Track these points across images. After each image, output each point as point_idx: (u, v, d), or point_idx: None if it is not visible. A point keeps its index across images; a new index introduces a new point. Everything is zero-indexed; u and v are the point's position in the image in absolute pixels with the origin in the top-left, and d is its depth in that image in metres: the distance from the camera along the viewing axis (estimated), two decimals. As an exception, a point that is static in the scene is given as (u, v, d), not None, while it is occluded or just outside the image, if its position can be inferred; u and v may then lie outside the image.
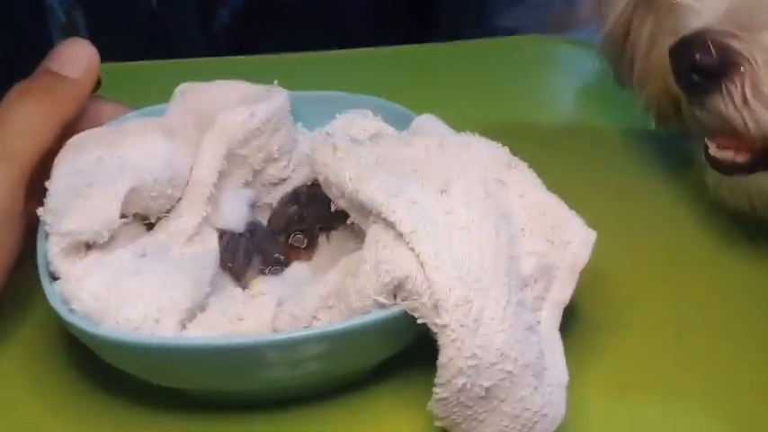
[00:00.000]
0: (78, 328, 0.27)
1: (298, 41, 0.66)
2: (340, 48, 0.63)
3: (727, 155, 0.38)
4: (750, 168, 0.38)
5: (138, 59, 0.62)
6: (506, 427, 0.27)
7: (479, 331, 0.26)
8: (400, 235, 0.27)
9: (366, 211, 0.29)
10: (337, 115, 0.36)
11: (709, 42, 0.36)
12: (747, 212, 0.41)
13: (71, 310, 0.28)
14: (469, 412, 0.27)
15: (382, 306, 0.27)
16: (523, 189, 0.31)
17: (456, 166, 0.30)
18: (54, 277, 0.29)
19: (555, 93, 0.58)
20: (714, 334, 0.37)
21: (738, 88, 0.36)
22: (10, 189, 0.31)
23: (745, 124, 0.36)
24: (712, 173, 0.40)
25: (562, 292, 0.30)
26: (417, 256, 0.26)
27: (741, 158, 0.38)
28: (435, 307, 0.26)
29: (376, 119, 0.36)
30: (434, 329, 0.26)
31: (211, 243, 0.35)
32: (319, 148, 0.32)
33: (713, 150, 0.38)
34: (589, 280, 0.37)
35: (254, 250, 0.35)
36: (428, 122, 0.36)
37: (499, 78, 0.59)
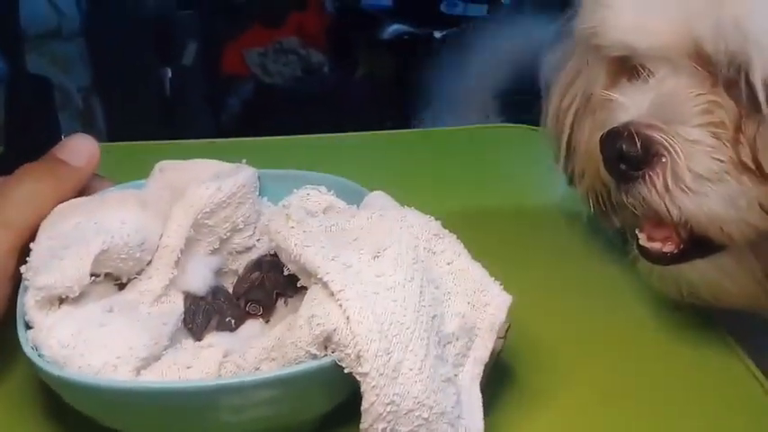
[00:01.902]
0: (45, 371, 0.31)
1: (303, 126, 0.72)
2: (340, 131, 0.69)
3: (656, 245, 0.41)
4: (677, 258, 0.41)
5: (151, 140, 0.68)
6: (425, 472, 0.30)
7: (398, 380, 0.29)
8: (332, 293, 0.31)
9: (309, 274, 0.33)
10: (295, 190, 0.40)
11: (634, 133, 0.39)
12: (677, 298, 0.44)
13: (40, 356, 0.31)
14: (391, 456, 0.30)
15: (314, 357, 0.31)
16: (450, 257, 0.35)
17: (391, 236, 0.34)
18: (29, 326, 0.33)
19: (516, 176, 0.63)
20: (638, 402, 0.40)
21: (660, 177, 0.39)
22: (4, 252, 0.35)
23: (668, 211, 0.39)
24: (643, 261, 0.43)
25: (483, 350, 0.33)
26: (344, 311, 0.30)
27: (668, 248, 0.41)
28: (358, 357, 0.29)
29: (329, 194, 0.40)
30: (358, 378, 0.30)
31: (177, 304, 0.38)
32: (274, 218, 0.37)
33: (643, 240, 0.41)
34: (523, 345, 0.41)
35: (213, 312, 0.39)
36: (378, 198, 0.41)
37: (474, 163, 0.64)
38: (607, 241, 0.52)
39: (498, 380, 0.40)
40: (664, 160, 0.39)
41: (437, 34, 1.89)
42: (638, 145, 0.39)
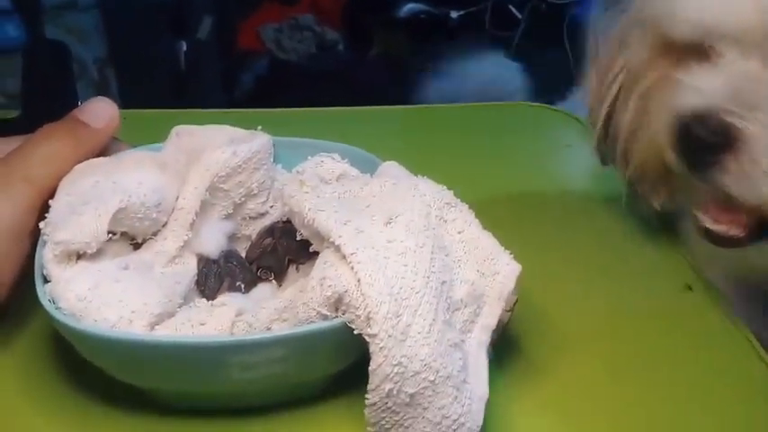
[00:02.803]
0: (61, 323, 0.31)
1: (316, 103, 0.73)
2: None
3: (722, 228, 0.41)
4: (742, 242, 0.41)
5: None
6: (429, 433, 0.31)
7: (406, 343, 0.30)
8: (344, 257, 0.31)
9: (321, 238, 0.34)
10: (309, 158, 0.41)
11: (714, 119, 0.39)
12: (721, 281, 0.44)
13: (57, 308, 0.32)
14: (396, 418, 0.31)
15: (325, 317, 0.31)
16: (461, 226, 0.35)
17: (403, 203, 0.34)
18: (46, 280, 0.33)
19: (534, 156, 0.63)
20: (643, 380, 0.40)
21: (739, 163, 0.39)
22: (25, 208, 0.36)
23: (745, 196, 0.39)
24: (696, 244, 0.43)
25: (490, 317, 0.34)
26: (356, 274, 0.31)
27: (734, 232, 0.41)
28: (368, 318, 0.30)
29: (342, 162, 0.40)
30: (367, 339, 0.30)
31: (190, 265, 0.39)
32: (288, 184, 0.37)
33: (708, 223, 0.41)
34: (531, 318, 0.42)
35: (225, 275, 0.39)
36: (391, 168, 0.41)
37: (487, 140, 0.64)
38: (622, 220, 0.52)
39: (505, 351, 0.40)
40: (742, 146, 0.38)
41: (453, 14, 1.88)
42: (718, 131, 0.39)
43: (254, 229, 0.42)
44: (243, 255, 0.42)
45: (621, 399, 0.39)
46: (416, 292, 0.31)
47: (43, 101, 0.62)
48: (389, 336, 0.30)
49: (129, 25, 1.84)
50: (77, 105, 0.42)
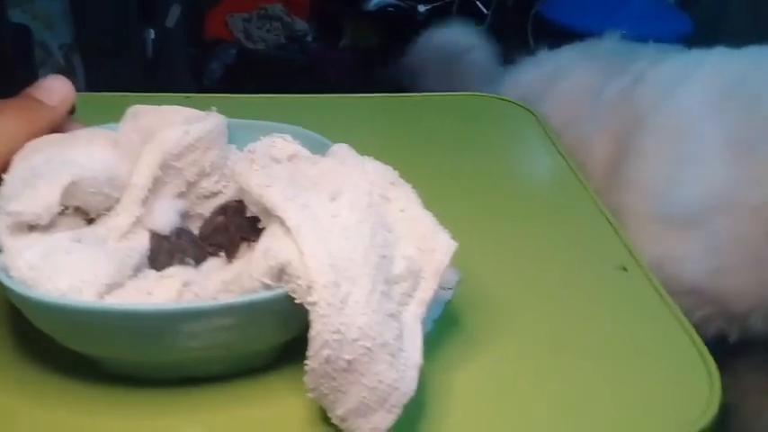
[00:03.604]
0: (12, 290, 0.32)
1: (283, 92, 0.74)
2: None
3: None
4: None
5: None
6: (365, 398, 0.33)
7: (344, 311, 0.32)
8: (288, 229, 0.33)
9: (269, 213, 0.35)
10: (261, 138, 0.42)
11: None
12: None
13: (9, 277, 0.33)
14: (334, 383, 0.32)
15: (268, 287, 0.33)
16: (403, 205, 0.37)
17: (348, 181, 0.36)
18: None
19: (483, 143, 0.65)
20: (581, 351, 0.42)
21: None
22: None
23: None
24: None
25: (426, 291, 0.35)
26: (298, 245, 0.32)
27: None
28: (308, 287, 0.32)
29: (294, 142, 0.42)
30: (308, 307, 0.32)
31: (142, 241, 0.40)
32: (239, 162, 0.38)
33: None
34: (473, 297, 0.44)
35: (176, 251, 0.40)
36: (341, 149, 0.42)
37: (438, 128, 0.66)
38: (565, 206, 0.54)
39: (446, 326, 0.42)
40: None
41: (421, 8, 1.90)
42: None
43: (207, 208, 0.44)
44: (196, 232, 0.43)
45: (555, 369, 0.41)
46: (356, 265, 0.32)
47: (4, 82, 0.63)
48: (328, 304, 0.31)
49: (97, 12, 1.82)
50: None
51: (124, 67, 1.90)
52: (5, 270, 0.33)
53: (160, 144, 0.40)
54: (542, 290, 0.47)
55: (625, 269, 0.48)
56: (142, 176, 0.39)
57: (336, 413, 0.33)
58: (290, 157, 0.41)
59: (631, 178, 0.65)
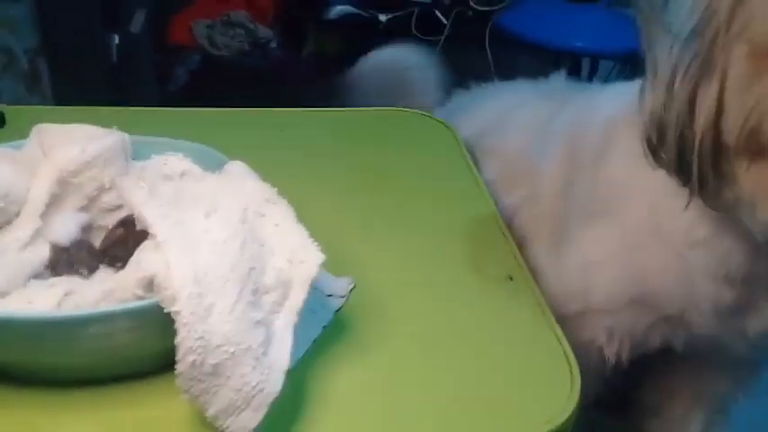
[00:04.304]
0: None
1: (248, 100, 0.76)
2: (285, 106, 0.73)
3: None
4: None
5: (98, 105, 0.70)
6: (233, 399, 0.35)
7: (208, 320, 0.34)
8: (158, 244, 0.36)
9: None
10: (153, 156, 0.45)
11: None
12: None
13: None
14: (203, 386, 0.35)
15: (140, 298, 0.36)
16: (278, 220, 0.40)
17: (225, 199, 0.39)
18: None
19: (396, 156, 0.68)
20: (457, 354, 0.45)
21: None
22: None
23: None
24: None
25: (296, 299, 0.38)
26: (166, 259, 0.35)
27: None
28: (173, 298, 0.34)
29: (186, 160, 0.45)
30: (173, 316, 0.34)
31: (42, 252, 0.43)
32: (126, 179, 0.41)
33: None
34: (362, 305, 0.47)
35: (75, 262, 0.43)
36: (233, 166, 0.45)
37: (353, 142, 0.69)
38: (461, 219, 0.57)
39: (335, 332, 0.45)
40: None
41: (382, 17, 1.93)
42: None
43: (111, 220, 0.46)
44: (97, 244, 0.45)
45: (435, 371, 0.44)
46: (221, 277, 0.35)
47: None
48: (191, 313, 0.34)
49: (61, 17, 1.83)
50: None
51: (89, 71, 1.91)
52: None
53: (57, 161, 0.42)
54: (432, 297, 0.50)
55: (511, 278, 0.52)
56: (39, 192, 0.42)
57: (209, 412, 0.36)
58: (182, 174, 0.44)
59: (572, 192, 0.68)
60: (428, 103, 0.99)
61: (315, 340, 0.44)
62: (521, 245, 0.59)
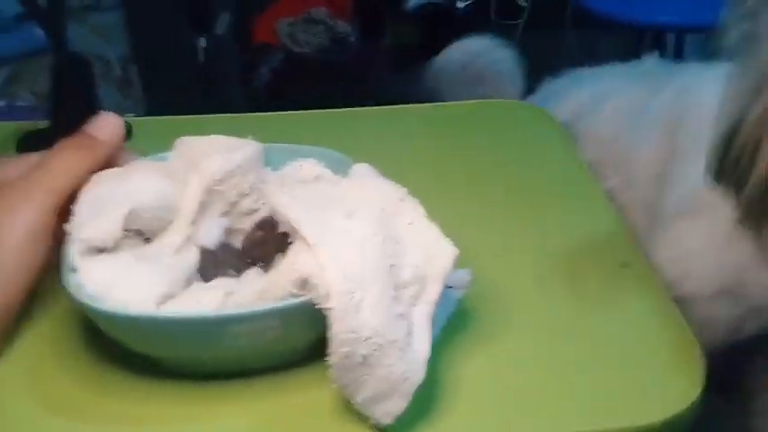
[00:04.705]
0: (85, 304, 0.39)
1: (329, 95, 0.79)
2: (365, 98, 0.76)
3: None
4: None
5: (186, 107, 0.75)
6: (380, 388, 0.38)
7: (358, 314, 0.37)
8: (309, 246, 0.39)
9: (295, 231, 0.41)
10: (289, 162, 0.48)
11: None
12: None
13: (83, 293, 0.40)
14: (353, 375, 0.38)
15: (295, 295, 0.39)
16: (411, 218, 0.42)
17: (362, 200, 0.42)
18: (73, 271, 0.41)
19: (498, 146, 0.69)
20: (577, 340, 0.47)
21: None
22: (47, 212, 0.44)
23: None
24: None
25: (432, 293, 0.41)
26: (317, 259, 0.38)
27: None
28: (327, 295, 0.37)
29: (319, 165, 0.48)
30: (326, 312, 0.38)
31: (193, 256, 0.47)
32: (271, 183, 0.45)
33: None
34: (482, 296, 0.49)
35: (222, 264, 0.47)
36: (361, 168, 0.48)
37: (455, 135, 0.71)
38: (572, 210, 0.59)
39: (458, 322, 0.48)
40: None
41: (460, 4, 1.93)
42: None
43: (247, 224, 0.50)
44: (238, 246, 0.49)
45: (556, 358, 0.46)
46: (367, 274, 0.38)
47: (68, 110, 0.70)
48: (344, 309, 0.37)
49: (150, 23, 1.92)
50: (98, 112, 0.50)
51: (178, 75, 2.00)
52: (80, 287, 0.40)
53: (205, 171, 0.46)
54: (548, 285, 0.52)
55: (627, 265, 0.53)
56: (190, 201, 0.46)
57: (357, 400, 0.39)
58: (316, 178, 0.47)
59: (672, 181, 0.67)
60: (512, 92, 1.00)
61: (440, 331, 0.47)
62: None
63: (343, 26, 2.10)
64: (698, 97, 0.68)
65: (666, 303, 0.49)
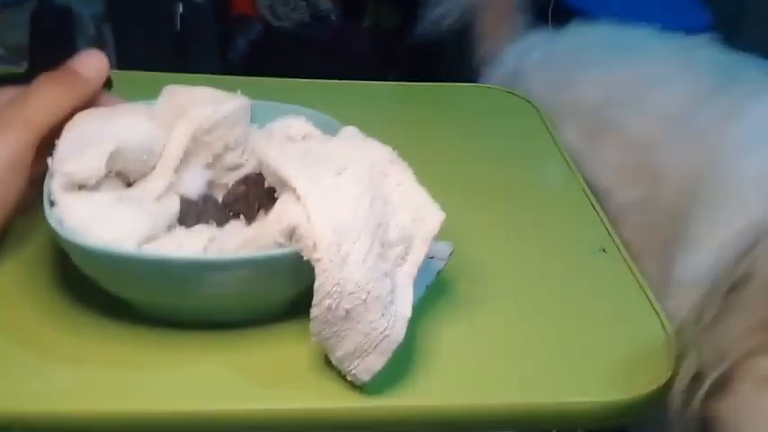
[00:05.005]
0: (64, 239, 0.38)
1: (307, 70, 0.78)
2: (342, 78, 0.75)
3: None
4: None
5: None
6: (360, 342, 0.38)
7: (344, 268, 0.37)
8: (298, 197, 0.38)
9: (282, 183, 0.41)
10: (278, 118, 0.48)
11: None
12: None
13: (62, 227, 0.39)
14: (334, 329, 0.38)
15: (281, 245, 0.39)
16: (400, 180, 0.42)
17: (352, 158, 0.42)
18: (52, 204, 0.40)
19: (482, 130, 0.70)
20: (554, 316, 0.48)
21: None
22: (24, 145, 0.42)
23: None
24: None
25: (417, 254, 0.41)
26: (306, 211, 0.38)
27: None
28: (314, 246, 0.37)
29: (308, 123, 0.47)
30: (313, 263, 0.37)
31: (173, 204, 0.46)
32: (259, 138, 0.44)
33: None
34: (463, 268, 0.49)
35: (202, 215, 0.46)
36: (350, 131, 0.48)
37: (441, 115, 0.71)
38: (552, 194, 0.59)
39: (437, 292, 0.48)
40: None
41: (443, -9, 1.93)
42: None
43: (230, 179, 0.49)
44: (220, 199, 0.49)
45: (530, 331, 0.46)
46: (355, 229, 0.38)
47: (47, 60, 0.69)
48: (330, 261, 0.37)
49: (127, -17, 1.87)
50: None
51: (153, 39, 1.96)
52: (59, 221, 0.39)
53: (192, 119, 0.46)
54: (526, 263, 0.52)
55: (604, 251, 0.54)
56: (175, 147, 0.45)
57: (336, 355, 0.39)
58: (304, 137, 0.47)
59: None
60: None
61: (419, 299, 0.47)
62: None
63: (325, 3, 2.08)
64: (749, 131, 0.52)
65: (641, 289, 0.50)
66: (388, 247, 0.40)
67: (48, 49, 0.69)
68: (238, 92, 0.49)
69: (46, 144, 0.43)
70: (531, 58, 0.81)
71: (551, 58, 0.81)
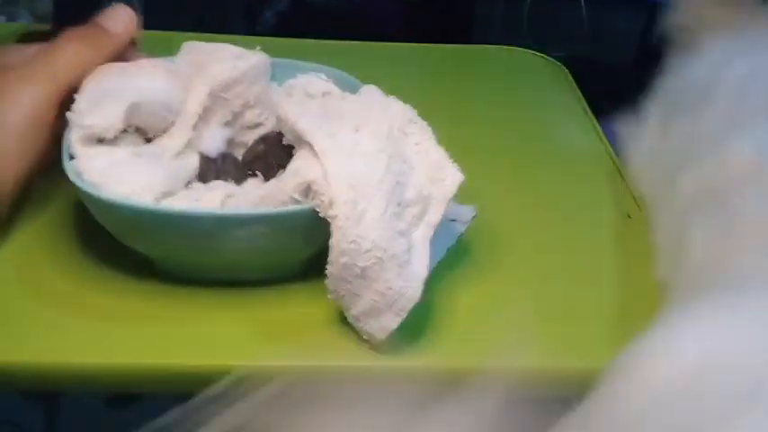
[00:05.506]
0: (84, 191, 0.38)
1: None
2: None
3: None
4: None
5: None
6: (376, 301, 0.38)
7: (360, 225, 0.37)
8: (315, 153, 0.38)
9: (300, 139, 0.40)
10: (299, 75, 0.47)
11: None
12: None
13: (82, 179, 0.39)
14: (350, 287, 0.38)
15: (297, 202, 0.38)
16: (419, 139, 0.41)
17: (371, 115, 0.41)
18: (72, 158, 0.40)
19: (508, 92, 0.69)
20: (570, 279, 0.47)
21: None
22: (48, 100, 0.42)
23: None
24: None
25: (434, 215, 0.40)
26: (324, 167, 0.37)
27: None
28: (330, 203, 0.37)
29: (327, 81, 0.47)
30: (329, 220, 0.37)
31: (192, 161, 0.46)
32: (279, 94, 0.44)
33: None
34: (482, 232, 0.49)
35: (221, 172, 0.46)
36: (369, 90, 0.47)
37: (466, 77, 0.70)
38: (576, 158, 0.58)
39: (458, 255, 0.47)
40: None
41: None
42: None
43: (249, 138, 0.49)
44: (239, 158, 0.49)
45: (551, 295, 0.46)
46: (372, 186, 0.37)
47: (73, 17, 0.68)
48: (347, 218, 0.36)
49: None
50: None
51: (181, 7, 1.96)
52: (78, 173, 0.39)
53: (211, 76, 0.45)
54: (548, 227, 0.51)
55: (629, 216, 0.53)
56: (194, 104, 0.45)
57: (351, 313, 0.39)
58: (324, 94, 0.46)
59: None
60: None
61: (439, 261, 0.47)
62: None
63: (352, -26, 2.07)
64: None
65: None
66: (404, 207, 0.40)
67: (75, 9, 0.69)
68: (258, 48, 0.49)
69: (69, 101, 0.43)
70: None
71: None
